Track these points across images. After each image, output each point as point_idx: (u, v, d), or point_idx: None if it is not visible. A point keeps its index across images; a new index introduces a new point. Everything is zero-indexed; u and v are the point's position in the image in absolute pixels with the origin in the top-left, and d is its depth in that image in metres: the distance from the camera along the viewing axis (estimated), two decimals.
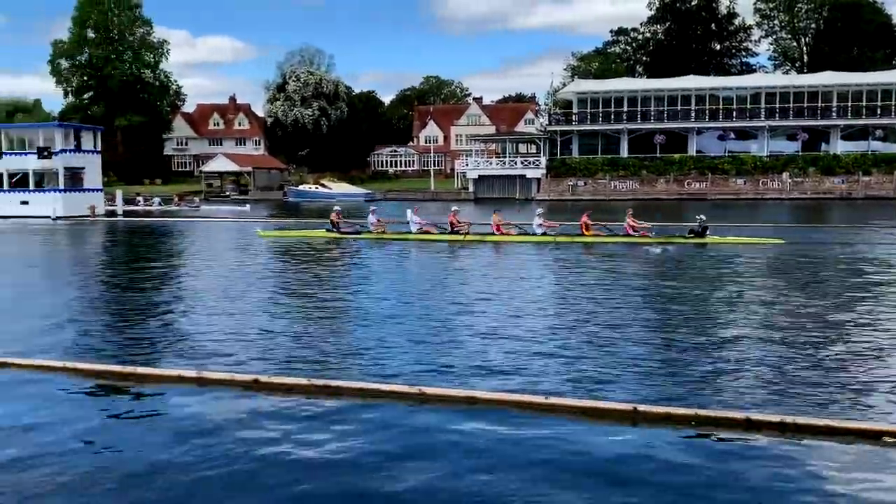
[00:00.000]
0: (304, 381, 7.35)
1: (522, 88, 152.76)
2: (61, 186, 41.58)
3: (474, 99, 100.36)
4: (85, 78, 79.41)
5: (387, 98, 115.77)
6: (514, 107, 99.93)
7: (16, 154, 42.58)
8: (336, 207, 26.88)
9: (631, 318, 10.88)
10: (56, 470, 5.49)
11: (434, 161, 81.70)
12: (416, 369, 8.11)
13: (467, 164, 63.20)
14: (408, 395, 7.04)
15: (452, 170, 75.49)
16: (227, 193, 67.05)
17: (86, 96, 79.87)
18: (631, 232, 22.35)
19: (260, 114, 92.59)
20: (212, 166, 69.92)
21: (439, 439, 6.07)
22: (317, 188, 63.34)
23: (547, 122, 68.36)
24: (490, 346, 9.23)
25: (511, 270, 16.84)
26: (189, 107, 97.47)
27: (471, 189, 61.66)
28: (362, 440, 6.06)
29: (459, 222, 23.98)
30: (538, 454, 5.76)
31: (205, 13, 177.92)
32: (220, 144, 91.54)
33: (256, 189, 66.80)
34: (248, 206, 44.66)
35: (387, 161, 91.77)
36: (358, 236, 24.34)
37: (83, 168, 43.69)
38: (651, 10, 79.82)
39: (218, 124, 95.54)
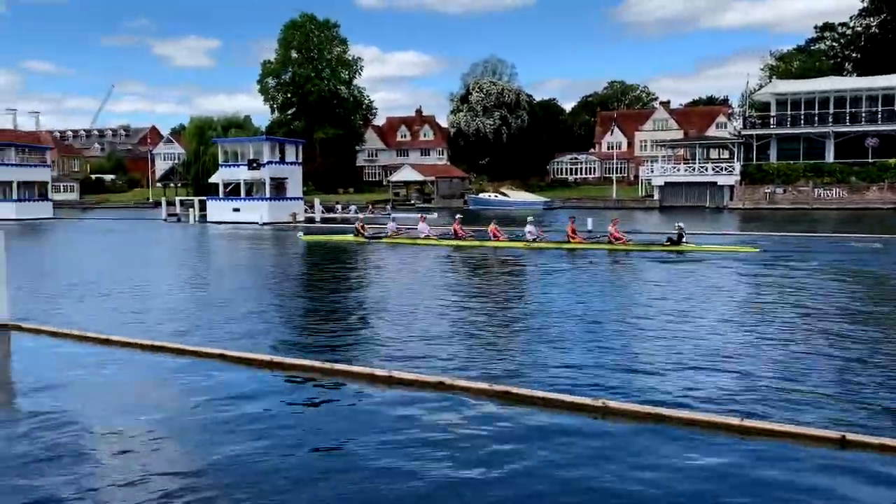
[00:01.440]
0: (486, 385, 7.42)
1: (714, 91, 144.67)
2: (267, 195, 45.51)
3: (661, 103, 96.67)
4: (288, 95, 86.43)
5: (568, 105, 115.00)
6: (704, 110, 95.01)
7: (230, 165, 47.27)
8: (360, 216, 32.94)
9: (820, 333, 9.86)
10: (265, 453, 5.96)
11: (616, 168, 79.75)
12: (596, 381, 7.90)
13: (653, 171, 60.92)
14: (590, 407, 6.86)
15: (636, 177, 73.17)
16: (413, 202, 69.77)
17: (289, 112, 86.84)
18: (612, 240, 23.46)
19: (444, 125, 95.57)
20: (398, 176, 73.20)
21: (622, 456, 5.85)
22: (496, 196, 64.11)
23: (741, 126, 64.10)
24: (675, 360, 8.78)
25: (663, 282, 15.96)
26: (379, 120, 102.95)
27: (656, 196, 59.37)
28: (542, 450, 5.99)
29: (463, 230, 26.94)
30: (733, 481, 5.36)
31: (394, 31, 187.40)
32: (407, 155, 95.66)
33: (439, 198, 68.94)
34: (436, 215, 46.15)
35: (567, 168, 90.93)
36: (378, 241, 27.84)
37: (286, 178, 47.54)
38: (863, 2, 72.37)
39: (405, 136, 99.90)
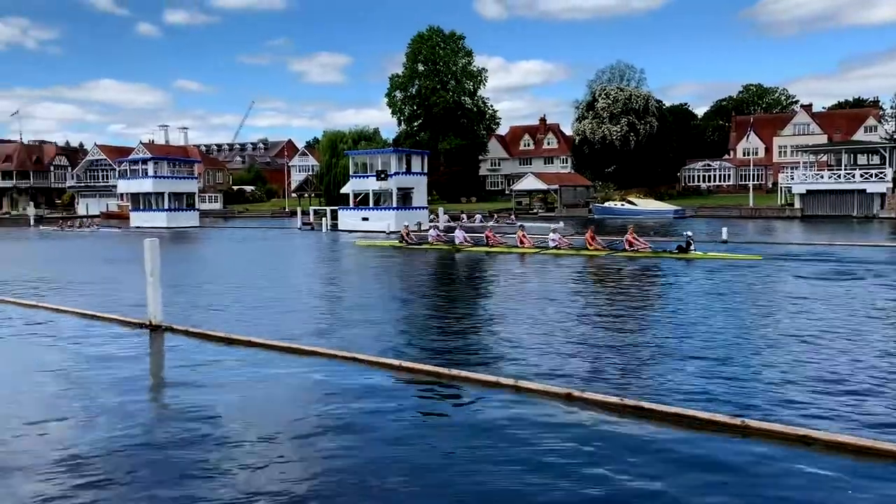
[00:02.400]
0: (616, 399, 7.21)
1: (861, 92, 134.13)
2: (394, 205, 46.75)
3: (802, 106, 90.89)
4: (414, 107, 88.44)
5: (700, 110, 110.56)
6: (850, 113, 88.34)
7: (360, 176, 48.96)
8: (405, 223, 35.43)
9: None
10: (385, 452, 6.09)
11: (753, 175, 75.72)
12: (733, 397, 7.50)
13: (793, 178, 57.32)
14: (729, 426, 6.51)
15: (774, 184, 69.16)
16: (535, 211, 69.36)
17: (415, 124, 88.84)
18: (627, 247, 24.52)
19: (568, 133, 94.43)
20: (521, 185, 73.00)
21: (764, 481, 5.50)
22: (623, 204, 62.52)
23: (894, 129, 59.08)
24: (817, 376, 8.17)
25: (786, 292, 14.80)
26: (502, 129, 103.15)
27: (797, 205, 55.79)
28: (676, 470, 5.73)
29: (495, 237, 29.25)
30: None
31: (518, 40, 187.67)
32: (530, 164, 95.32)
33: (563, 206, 68.13)
34: (561, 223, 45.68)
35: (699, 176, 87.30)
36: (419, 246, 30.17)
37: (412, 188, 48.66)
38: None
39: (528, 145, 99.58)
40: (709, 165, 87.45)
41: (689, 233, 24.45)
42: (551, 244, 26.37)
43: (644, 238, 26.10)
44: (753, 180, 73.58)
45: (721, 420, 6.60)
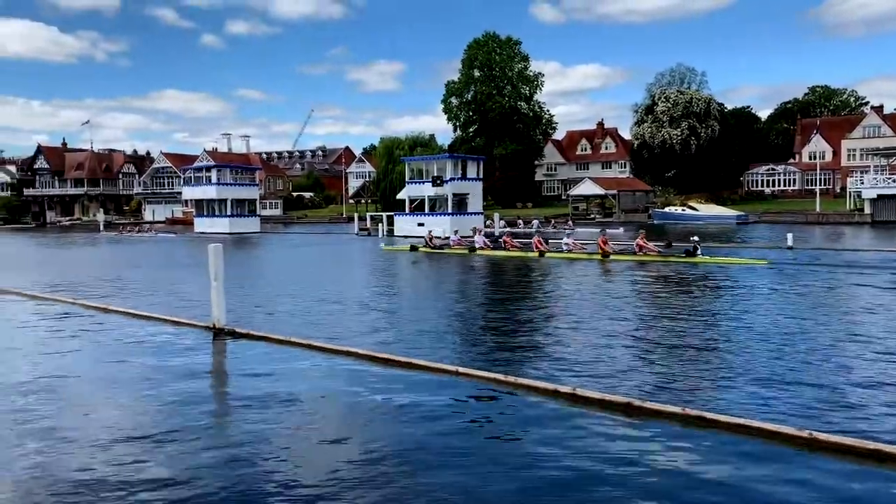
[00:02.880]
0: (677, 409, 7.08)
1: None
2: (450, 210, 46.91)
3: (873, 108, 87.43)
4: (470, 113, 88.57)
5: (763, 113, 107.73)
6: None
7: (415, 182, 49.31)
8: (429, 229, 37.86)
9: None
10: (444, 460, 6.12)
11: (819, 179, 73.18)
12: (798, 410, 7.27)
13: (863, 182, 55.21)
14: (795, 438, 6.32)
15: (843, 188, 66.78)
16: (593, 216, 68.59)
17: (471, 129, 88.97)
18: (637, 250, 25.75)
19: (626, 137, 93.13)
20: (578, 190, 72.28)
21: (831, 498, 5.31)
22: (683, 210, 61.27)
23: None
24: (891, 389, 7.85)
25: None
26: (559, 134, 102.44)
27: (867, 210, 53.71)
28: (739, 483, 5.60)
29: (513, 242, 30.64)
30: None
31: (575, 44, 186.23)
32: (587, 169, 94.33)
33: (621, 212, 67.19)
34: (621, 229, 45.13)
35: (762, 180, 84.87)
36: (441, 251, 32.01)
37: (468, 194, 48.75)
38: None
39: (585, 149, 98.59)
40: (773, 169, 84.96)
41: (696, 238, 26.68)
42: (565, 248, 27.89)
43: (654, 244, 27.23)
44: (820, 185, 71.17)
45: (787, 432, 6.41)
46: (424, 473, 5.92)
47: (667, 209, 62.70)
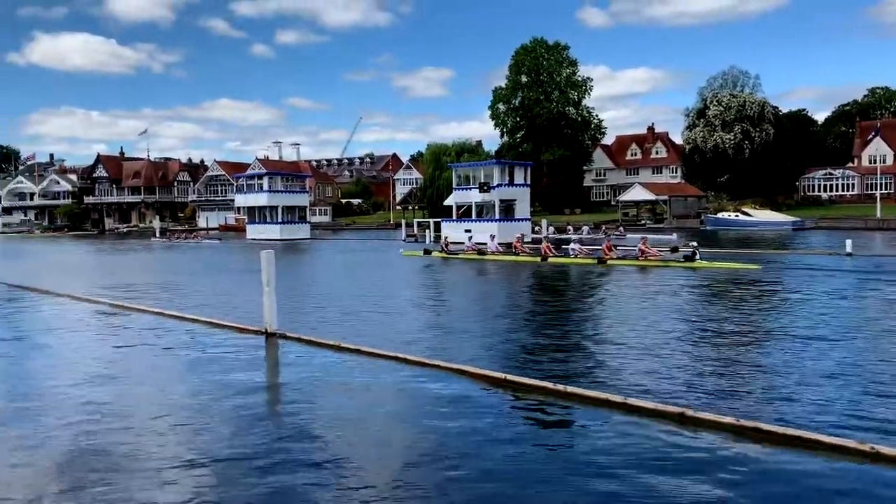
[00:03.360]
0: (732, 420, 6.92)
1: None
2: (497, 217, 46.78)
3: None
4: (517, 118, 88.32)
5: (820, 116, 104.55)
6: None
7: (462, 189, 49.35)
8: (445, 234, 39.98)
9: None
10: (488, 466, 6.09)
11: (880, 184, 70.81)
12: (862, 422, 7.02)
13: None
14: (855, 451, 6.11)
15: None
16: (643, 222, 67.61)
17: (518, 135, 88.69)
18: (640, 255, 26.77)
19: (678, 141, 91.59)
20: (628, 196, 71.36)
21: None
22: (737, 216, 59.89)
23: None
24: None
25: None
26: (608, 139, 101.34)
27: None
28: (792, 497, 5.44)
29: (522, 246, 33.31)
30: None
31: (624, 48, 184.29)
32: (637, 174, 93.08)
33: (672, 217, 66.09)
34: (674, 235, 44.40)
35: (819, 185, 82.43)
36: (455, 256, 33.26)
37: (515, 200, 48.53)
38: None
39: (635, 154, 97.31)
40: (830, 174, 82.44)
41: (695, 243, 28.41)
42: (571, 254, 29.12)
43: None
44: (880, 189, 68.81)
45: (847, 445, 6.20)
46: (474, 483, 5.90)
47: (720, 215, 61.36)
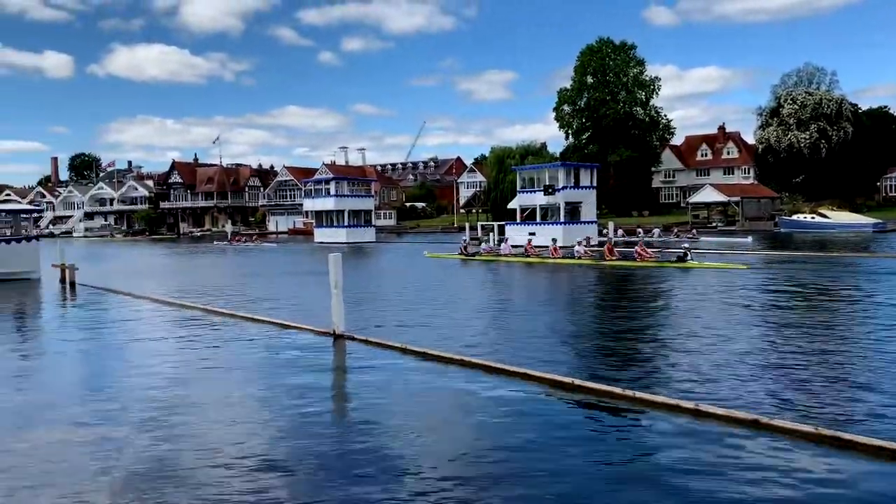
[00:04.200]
0: (810, 428, 6.65)
1: None
2: (562, 219, 46.36)
3: None
4: (583, 120, 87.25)
5: None
6: None
7: (527, 191, 49.12)
8: (464, 237, 41.08)
9: None
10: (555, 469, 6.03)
11: None
12: None
13: None
14: None
15: None
16: (714, 224, 65.80)
17: (583, 136, 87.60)
18: (637, 258, 28.14)
19: (750, 141, 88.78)
20: (698, 197, 69.55)
21: None
22: (813, 217, 57.66)
23: None
24: None
25: None
26: (677, 139, 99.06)
27: None
28: None
29: (534, 249, 34.84)
30: None
31: (692, 46, 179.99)
32: (707, 175, 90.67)
33: (744, 219, 64.11)
34: (749, 238, 43.16)
35: None
36: (473, 258, 34.45)
37: (581, 202, 48.00)
38: None
39: (705, 154, 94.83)
40: None
41: (686, 245, 30.05)
42: (576, 255, 31.12)
43: (651, 250, 30.06)
44: None
45: None
46: (543, 487, 5.85)
47: (795, 217, 59.17)
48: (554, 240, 35.42)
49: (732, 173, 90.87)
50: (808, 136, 70.82)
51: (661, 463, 6.23)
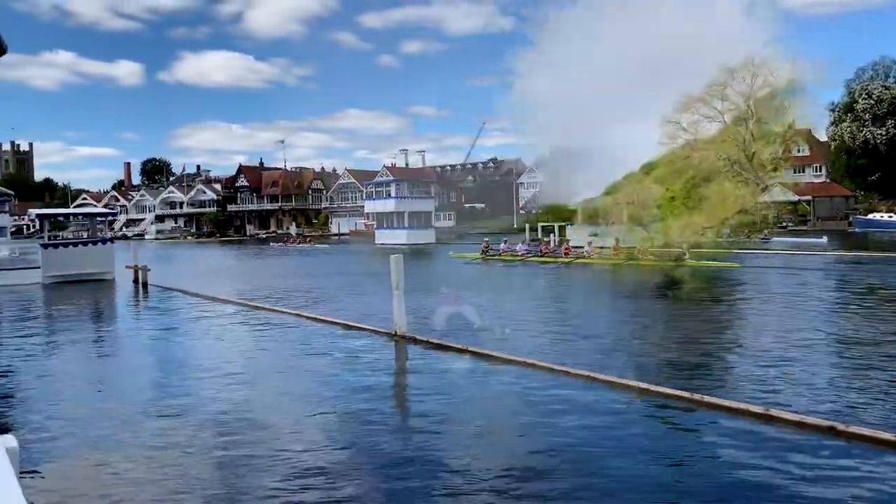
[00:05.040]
0: (890, 436, 6.37)
1: None
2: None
3: None
4: None
5: None
6: None
7: None
8: (486, 239, 42.20)
9: None
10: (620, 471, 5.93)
11: None
12: None
13: None
14: None
15: None
16: (785, 224, 63.72)
17: None
18: (640, 256, 28.60)
19: (822, 138, 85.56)
20: (767, 196, 67.41)
21: None
22: (890, 217, 55.23)
23: None
24: None
25: None
26: None
27: None
28: None
29: (547, 248, 36.82)
30: None
31: None
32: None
33: (816, 219, 61.87)
34: (824, 239, 41.68)
35: None
36: (493, 257, 35.91)
37: None
38: None
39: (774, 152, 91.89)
40: None
41: (685, 244, 29.55)
42: (585, 254, 32.55)
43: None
44: None
45: None
46: (613, 491, 5.77)
47: (871, 216, 56.79)
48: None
49: (803, 171, 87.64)
50: (884, 132, 67.91)
51: (734, 470, 6.05)
